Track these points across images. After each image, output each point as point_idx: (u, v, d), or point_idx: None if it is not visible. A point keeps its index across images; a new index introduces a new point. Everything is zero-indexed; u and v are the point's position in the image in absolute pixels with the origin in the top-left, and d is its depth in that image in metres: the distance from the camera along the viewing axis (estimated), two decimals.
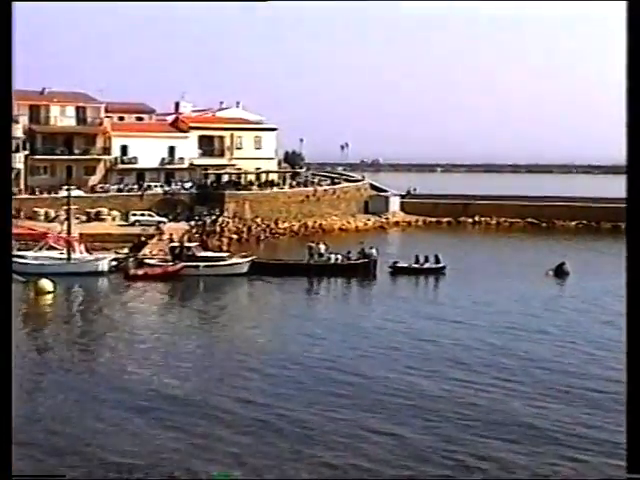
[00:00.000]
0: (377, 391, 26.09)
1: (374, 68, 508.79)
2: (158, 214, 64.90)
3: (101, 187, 71.10)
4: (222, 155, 78.72)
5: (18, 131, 66.90)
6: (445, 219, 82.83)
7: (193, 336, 34.26)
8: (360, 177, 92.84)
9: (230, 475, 19.11)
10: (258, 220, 68.92)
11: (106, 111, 75.02)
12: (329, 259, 50.85)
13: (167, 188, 71.55)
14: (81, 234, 51.60)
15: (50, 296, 41.95)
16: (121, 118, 79.73)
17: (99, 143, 73.36)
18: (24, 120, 69.49)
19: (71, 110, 73.19)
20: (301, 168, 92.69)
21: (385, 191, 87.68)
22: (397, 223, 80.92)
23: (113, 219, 64.77)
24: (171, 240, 54.39)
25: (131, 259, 50.09)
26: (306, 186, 78.38)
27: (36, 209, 62.83)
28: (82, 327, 37.04)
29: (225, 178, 75.32)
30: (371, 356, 30.73)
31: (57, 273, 45.06)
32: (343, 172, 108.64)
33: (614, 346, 30.51)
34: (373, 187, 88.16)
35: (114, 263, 49.26)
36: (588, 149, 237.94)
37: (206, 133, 78.63)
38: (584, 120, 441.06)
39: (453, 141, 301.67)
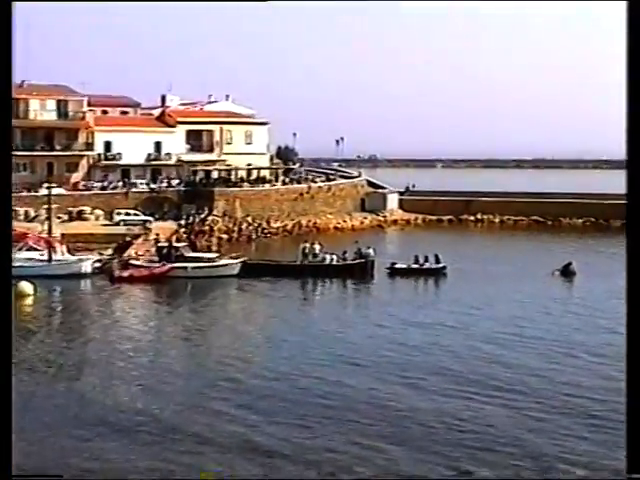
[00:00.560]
0: (359, 410, 24.41)
1: (374, 64, 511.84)
2: (144, 213, 64.00)
3: (84, 185, 70.11)
4: (211, 150, 78.06)
5: None
6: (446, 217, 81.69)
7: (175, 349, 33.02)
8: (356, 173, 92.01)
9: (211, 474, 19.00)
10: (249, 219, 68.48)
11: (89, 105, 74.09)
12: (324, 260, 49.97)
13: (153, 185, 70.64)
14: (63, 234, 51.29)
15: (30, 299, 41.15)
16: (105, 112, 79.30)
17: (81, 138, 72.33)
18: None
19: (52, 104, 72.32)
20: (294, 164, 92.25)
21: (383, 188, 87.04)
22: (395, 221, 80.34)
23: (96, 218, 64.01)
24: (157, 240, 53.20)
25: (115, 260, 49.46)
26: (300, 183, 77.69)
27: (15, 208, 61.15)
28: (61, 334, 35.57)
29: (214, 175, 74.28)
30: (359, 369, 29.17)
31: (37, 275, 44.19)
32: (338, 168, 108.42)
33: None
34: (370, 184, 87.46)
35: (98, 264, 48.69)
36: (596, 145, 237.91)
37: (194, 127, 77.73)
38: (593, 115, 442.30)
39: (453, 138, 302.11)
